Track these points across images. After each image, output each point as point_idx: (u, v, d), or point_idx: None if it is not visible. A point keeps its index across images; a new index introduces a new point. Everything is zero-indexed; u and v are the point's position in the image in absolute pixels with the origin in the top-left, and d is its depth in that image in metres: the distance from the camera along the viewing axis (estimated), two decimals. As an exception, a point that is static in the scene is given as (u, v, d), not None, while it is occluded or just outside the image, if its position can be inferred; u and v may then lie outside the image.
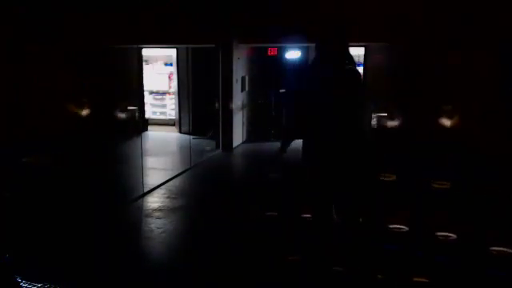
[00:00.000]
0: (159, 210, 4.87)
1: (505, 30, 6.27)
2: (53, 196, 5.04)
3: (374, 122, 8.52)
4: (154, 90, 10.26)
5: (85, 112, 8.84)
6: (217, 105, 8.24)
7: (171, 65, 10.01)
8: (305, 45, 8.90)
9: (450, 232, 4.02)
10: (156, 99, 10.32)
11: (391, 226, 4.16)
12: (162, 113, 10.35)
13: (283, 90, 9.31)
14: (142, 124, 9.80)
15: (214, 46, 8.08)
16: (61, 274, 3.27)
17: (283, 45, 8.93)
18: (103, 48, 8.55)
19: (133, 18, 7.61)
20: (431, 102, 7.59)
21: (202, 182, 6.36)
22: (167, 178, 6.15)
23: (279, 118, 9.35)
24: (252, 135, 9.46)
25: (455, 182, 5.55)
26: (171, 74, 10.06)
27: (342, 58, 2.79)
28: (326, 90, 2.71)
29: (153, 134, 9.88)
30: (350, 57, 2.87)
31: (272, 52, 9.40)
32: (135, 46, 8.74)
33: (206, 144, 8.56)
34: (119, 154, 7.81)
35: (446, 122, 7.31)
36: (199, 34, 7.90)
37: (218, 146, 8.30)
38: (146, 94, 10.18)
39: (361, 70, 9.20)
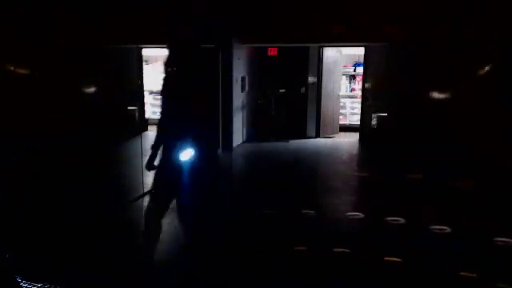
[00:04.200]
0: (159, 209, 4.85)
1: (505, 30, 6.27)
2: (53, 196, 5.04)
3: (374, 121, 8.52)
4: (154, 90, 10.25)
5: (85, 112, 8.85)
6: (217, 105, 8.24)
7: (171, 65, 10.00)
8: (305, 45, 8.91)
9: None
10: (156, 99, 10.30)
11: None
12: (162, 113, 10.34)
13: (283, 90, 9.32)
14: (141, 124, 9.79)
15: (213, 46, 8.08)
16: (61, 274, 3.27)
17: (283, 45, 8.92)
18: (103, 48, 8.56)
19: (133, 18, 7.61)
20: (430, 101, 7.58)
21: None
22: (167, 178, 6.13)
23: (279, 118, 9.36)
24: (252, 135, 9.45)
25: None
26: (171, 74, 10.05)
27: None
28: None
29: (153, 134, 9.82)
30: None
31: (272, 52, 9.39)
32: (135, 45, 8.74)
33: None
34: (119, 153, 7.81)
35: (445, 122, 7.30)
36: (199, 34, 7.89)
37: (217, 146, 8.29)
38: (146, 93, 10.17)
39: (361, 69, 9.21)
